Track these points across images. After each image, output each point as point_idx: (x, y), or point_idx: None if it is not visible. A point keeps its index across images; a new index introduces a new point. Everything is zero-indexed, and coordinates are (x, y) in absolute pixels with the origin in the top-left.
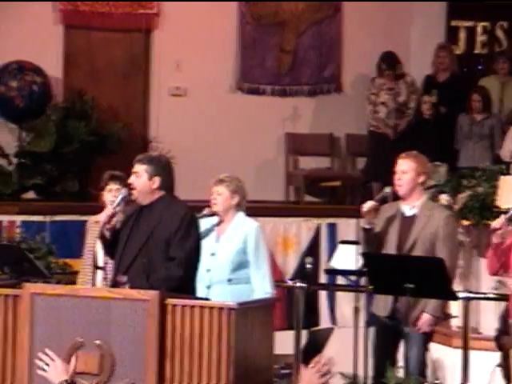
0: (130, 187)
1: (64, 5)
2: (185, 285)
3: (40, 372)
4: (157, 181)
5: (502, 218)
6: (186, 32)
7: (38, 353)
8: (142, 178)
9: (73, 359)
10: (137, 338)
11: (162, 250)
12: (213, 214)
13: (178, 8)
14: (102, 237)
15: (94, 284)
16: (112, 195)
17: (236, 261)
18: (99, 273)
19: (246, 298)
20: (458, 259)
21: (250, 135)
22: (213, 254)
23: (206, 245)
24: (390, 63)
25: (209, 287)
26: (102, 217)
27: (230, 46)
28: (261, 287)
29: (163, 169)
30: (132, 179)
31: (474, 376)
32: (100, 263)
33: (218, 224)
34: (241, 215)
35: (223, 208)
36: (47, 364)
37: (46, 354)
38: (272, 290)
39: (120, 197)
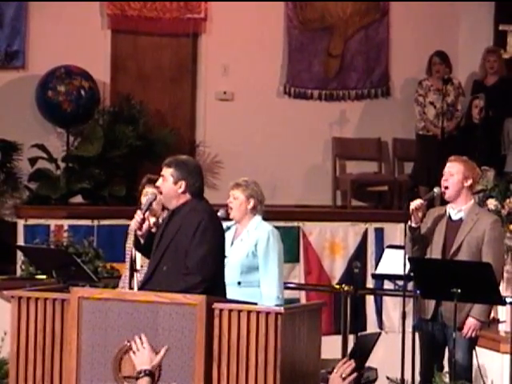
0: (158, 190)
1: (112, 9)
2: (213, 286)
3: (130, 354)
4: (182, 185)
5: None
6: (233, 36)
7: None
8: (167, 181)
9: (163, 351)
10: (184, 343)
11: (181, 258)
12: (224, 218)
13: (225, 12)
14: (136, 244)
15: (131, 287)
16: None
17: (246, 264)
18: (136, 276)
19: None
20: (503, 264)
21: (297, 140)
22: (226, 257)
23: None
24: (443, 58)
25: None
26: (132, 223)
27: (277, 51)
28: (267, 291)
29: (190, 172)
30: (159, 182)
31: None
32: (137, 266)
33: (237, 228)
34: (257, 219)
35: (239, 212)
36: (138, 349)
37: (140, 339)
38: (280, 295)
39: (148, 201)
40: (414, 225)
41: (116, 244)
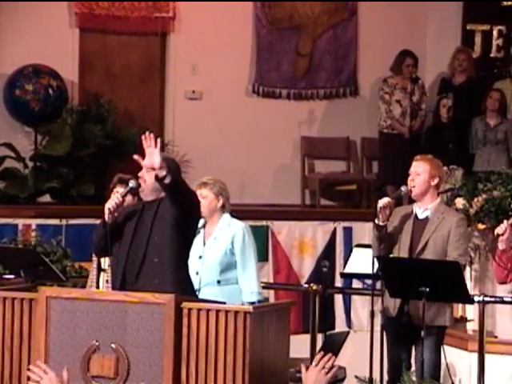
0: (142, 180)
1: (80, 8)
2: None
3: None
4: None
5: (506, 224)
6: (202, 35)
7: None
8: (152, 174)
9: (64, 372)
10: (152, 342)
11: (169, 250)
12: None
13: (193, 12)
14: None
15: (97, 286)
16: None
17: (224, 262)
18: (102, 275)
19: (235, 299)
20: (466, 261)
21: (265, 139)
22: (200, 257)
23: (193, 248)
24: (414, 57)
25: (198, 290)
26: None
27: (245, 50)
28: (247, 287)
29: (176, 169)
30: (142, 173)
31: (489, 380)
32: (104, 265)
33: (203, 226)
34: (227, 217)
35: (208, 210)
36: (40, 377)
37: (39, 367)
38: (259, 290)
39: (129, 186)
40: (380, 223)
41: (84, 243)
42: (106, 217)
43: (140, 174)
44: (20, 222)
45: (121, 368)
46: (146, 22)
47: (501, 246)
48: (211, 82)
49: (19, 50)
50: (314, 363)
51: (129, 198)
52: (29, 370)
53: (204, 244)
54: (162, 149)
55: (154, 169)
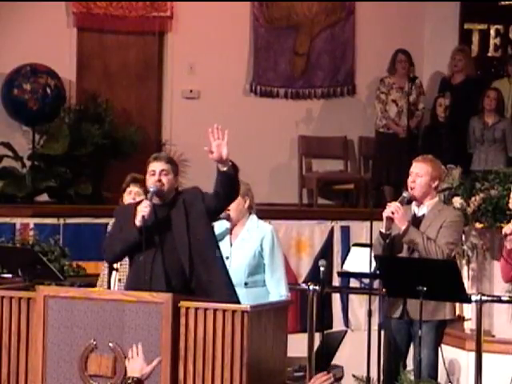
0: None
1: (77, 8)
2: None
3: (124, 360)
4: (177, 180)
5: None
6: (200, 35)
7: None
8: (170, 175)
9: (155, 361)
10: (150, 341)
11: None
12: (228, 218)
13: (191, 11)
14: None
15: (109, 286)
16: (131, 198)
17: (252, 264)
18: (114, 274)
19: (262, 301)
20: (452, 251)
21: (263, 138)
22: (227, 258)
23: (221, 249)
24: (408, 55)
25: None
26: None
27: (243, 49)
28: (276, 290)
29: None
30: (158, 177)
31: (486, 379)
32: (115, 264)
33: (232, 228)
34: (254, 218)
35: (237, 212)
36: (132, 356)
37: (137, 347)
38: (287, 293)
39: (152, 190)
40: (385, 231)
41: (82, 242)
42: (139, 223)
43: (156, 178)
44: (18, 221)
45: (118, 367)
46: (144, 21)
47: (509, 245)
48: (209, 82)
49: (17, 49)
50: (312, 380)
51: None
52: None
53: (231, 245)
54: (160, 148)
55: (222, 159)
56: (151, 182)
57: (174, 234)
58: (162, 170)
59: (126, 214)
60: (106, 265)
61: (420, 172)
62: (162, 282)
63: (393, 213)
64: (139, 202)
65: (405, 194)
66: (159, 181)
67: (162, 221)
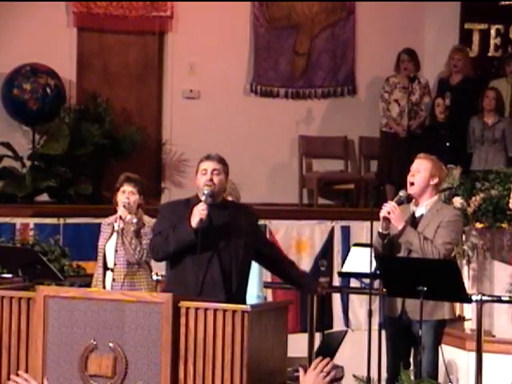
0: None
1: (77, 7)
2: None
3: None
4: (227, 180)
5: None
6: (200, 35)
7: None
8: (221, 175)
9: (45, 382)
10: (150, 341)
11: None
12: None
13: (191, 11)
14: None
15: (104, 286)
16: (125, 197)
17: None
18: (109, 274)
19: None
20: (449, 252)
21: (263, 138)
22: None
23: None
24: (411, 55)
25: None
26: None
27: (243, 49)
28: (250, 291)
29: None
30: (210, 176)
31: (487, 379)
32: (110, 264)
33: None
34: None
35: None
36: None
37: (21, 377)
38: (260, 293)
39: (206, 193)
40: (383, 231)
41: (82, 242)
42: (196, 225)
43: (208, 177)
44: (18, 221)
45: (118, 367)
46: (144, 21)
47: None
48: (209, 81)
49: (17, 49)
50: (312, 367)
51: (133, 199)
52: (9, 379)
53: None
54: (160, 148)
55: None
56: (203, 181)
57: (230, 240)
58: (214, 170)
59: (177, 212)
60: (100, 264)
61: (420, 167)
62: (219, 286)
63: (389, 213)
64: (188, 201)
65: (401, 194)
66: (211, 180)
67: (218, 226)
